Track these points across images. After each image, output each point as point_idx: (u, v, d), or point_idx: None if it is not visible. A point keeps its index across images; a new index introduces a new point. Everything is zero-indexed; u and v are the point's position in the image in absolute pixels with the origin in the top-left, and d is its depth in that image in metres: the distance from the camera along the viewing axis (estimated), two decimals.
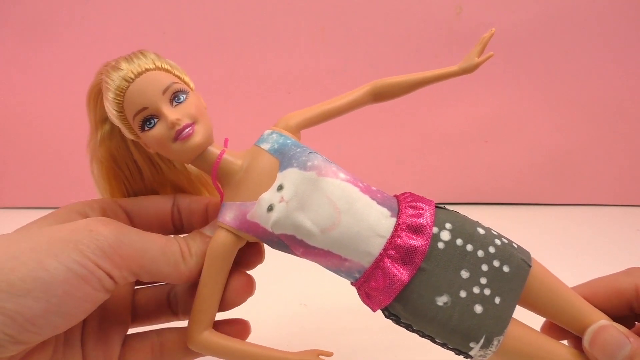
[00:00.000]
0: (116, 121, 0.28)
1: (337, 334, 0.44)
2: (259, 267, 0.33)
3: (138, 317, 0.33)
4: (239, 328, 0.32)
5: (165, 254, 0.27)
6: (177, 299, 0.33)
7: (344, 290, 0.40)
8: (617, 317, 0.29)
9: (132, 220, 0.32)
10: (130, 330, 0.32)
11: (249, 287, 0.31)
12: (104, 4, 0.65)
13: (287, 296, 0.49)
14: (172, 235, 0.29)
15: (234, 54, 0.66)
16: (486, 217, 0.31)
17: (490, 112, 0.69)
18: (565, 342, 0.30)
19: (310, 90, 0.67)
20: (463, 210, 0.30)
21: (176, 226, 0.33)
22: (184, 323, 0.31)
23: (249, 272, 0.32)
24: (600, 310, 0.29)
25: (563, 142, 0.70)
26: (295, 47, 0.66)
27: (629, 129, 0.69)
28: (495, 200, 0.73)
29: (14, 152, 0.72)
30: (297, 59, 0.66)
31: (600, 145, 0.70)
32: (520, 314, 0.29)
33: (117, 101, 0.27)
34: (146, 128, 0.27)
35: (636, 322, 0.30)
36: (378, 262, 0.27)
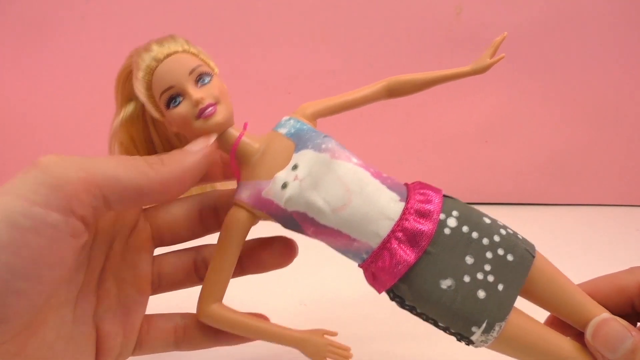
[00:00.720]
0: (144, 99, 0.30)
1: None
2: None
3: (163, 284, 0.33)
4: None
5: (125, 164, 0.25)
6: (204, 263, 0.33)
7: (344, 291, 0.40)
8: (619, 315, 0.29)
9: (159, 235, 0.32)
10: (154, 309, 0.32)
11: (291, 250, 0.32)
12: (104, 4, 0.65)
13: (286, 296, 0.49)
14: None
15: (234, 53, 0.66)
16: None
17: (490, 112, 0.69)
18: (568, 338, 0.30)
19: (310, 90, 0.67)
20: None
21: (207, 225, 0.33)
22: None
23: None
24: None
25: (563, 142, 0.70)
26: (295, 47, 0.66)
27: (629, 129, 0.69)
28: (495, 200, 0.73)
29: (14, 152, 0.72)
30: (297, 59, 0.66)
31: (601, 145, 0.70)
32: (525, 307, 0.29)
33: (146, 79, 0.29)
34: (171, 106, 0.29)
35: (639, 323, 0.30)
36: (385, 243, 0.28)
